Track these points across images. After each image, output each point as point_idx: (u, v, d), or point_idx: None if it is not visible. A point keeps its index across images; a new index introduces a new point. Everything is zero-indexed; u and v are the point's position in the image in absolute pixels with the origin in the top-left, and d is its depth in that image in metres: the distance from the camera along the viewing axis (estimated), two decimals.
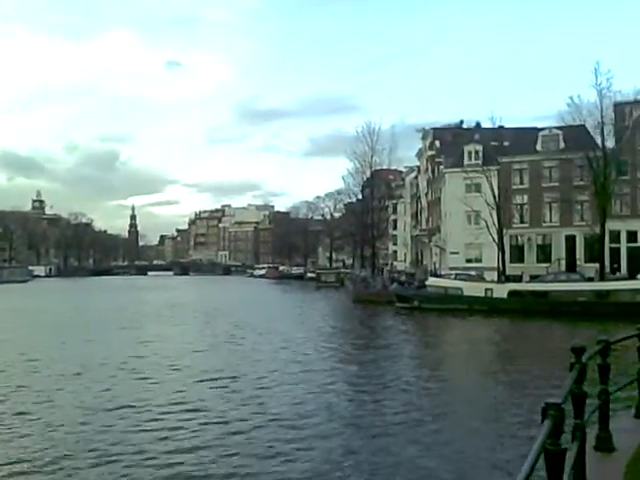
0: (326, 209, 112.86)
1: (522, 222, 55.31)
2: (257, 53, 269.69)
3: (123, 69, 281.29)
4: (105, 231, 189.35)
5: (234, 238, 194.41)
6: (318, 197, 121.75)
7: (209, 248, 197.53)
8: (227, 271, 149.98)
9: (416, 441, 13.20)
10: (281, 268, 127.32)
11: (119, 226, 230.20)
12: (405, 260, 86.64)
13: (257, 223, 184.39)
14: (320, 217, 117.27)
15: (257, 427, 14.40)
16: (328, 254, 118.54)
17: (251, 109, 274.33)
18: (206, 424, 14.62)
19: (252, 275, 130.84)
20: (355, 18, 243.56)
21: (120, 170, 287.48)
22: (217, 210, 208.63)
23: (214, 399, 17.48)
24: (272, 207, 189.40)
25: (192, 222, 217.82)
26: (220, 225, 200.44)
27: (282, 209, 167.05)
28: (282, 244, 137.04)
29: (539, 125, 59.15)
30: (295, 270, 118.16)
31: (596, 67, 48.43)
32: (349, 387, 19.38)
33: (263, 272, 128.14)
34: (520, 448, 10.70)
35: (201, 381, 20.07)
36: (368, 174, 76.94)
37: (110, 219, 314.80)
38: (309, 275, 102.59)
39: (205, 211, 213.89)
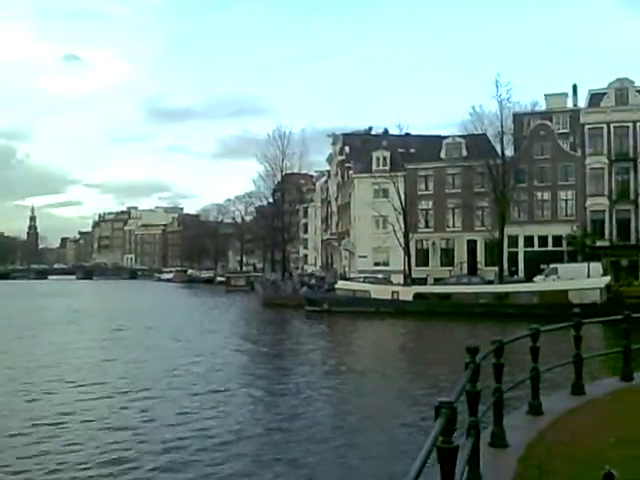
0: (237, 212, 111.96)
1: (427, 227, 57.06)
2: (163, 51, 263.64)
3: (17, 61, 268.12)
4: (2, 233, 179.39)
5: (141, 241, 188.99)
6: (228, 200, 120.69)
7: (114, 251, 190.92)
8: (133, 275, 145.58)
9: (314, 452, 12.97)
10: (190, 272, 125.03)
11: (17, 228, 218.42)
12: (316, 264, 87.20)
13: (165, 226, 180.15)
14: (231, 220, 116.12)
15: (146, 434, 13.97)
16: (239, 258, 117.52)
17: (158, 108, 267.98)
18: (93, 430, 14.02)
19: (159, 279, 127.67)
20: (262, 19, 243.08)
21: (17, 168, 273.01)
22: (123, 212, 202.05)
23: (106, 408, 16.64)
24: (181, 209, 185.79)
25: (96, 224, 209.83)
26: (126, 228, 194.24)
27: (191, 211, 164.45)
28: (191, 247, 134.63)
29: (444, 133, 61.38)
30: (205, 274, 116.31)
31: (497, 79, 50.98)
32: (249, 396, 18.59)
33: (170, 276, 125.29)
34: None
35: (94, 392, 18.74)
36: (279, 178, 77.02)
37: (7, 220, 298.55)
38: (219, 279, 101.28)
39: (110, 213, 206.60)
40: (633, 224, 51.33)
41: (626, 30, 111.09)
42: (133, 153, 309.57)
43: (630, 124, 52.00)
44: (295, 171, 79.37)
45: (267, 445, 13.34)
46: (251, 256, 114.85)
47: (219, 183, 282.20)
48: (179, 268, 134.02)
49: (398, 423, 14.76)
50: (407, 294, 45.95)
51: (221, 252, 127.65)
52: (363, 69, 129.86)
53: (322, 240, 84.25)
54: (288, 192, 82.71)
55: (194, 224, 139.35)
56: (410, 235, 53.43)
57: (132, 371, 22.79)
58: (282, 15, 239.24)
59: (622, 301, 39.12)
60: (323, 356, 27.78)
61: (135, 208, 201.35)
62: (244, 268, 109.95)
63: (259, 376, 22.26)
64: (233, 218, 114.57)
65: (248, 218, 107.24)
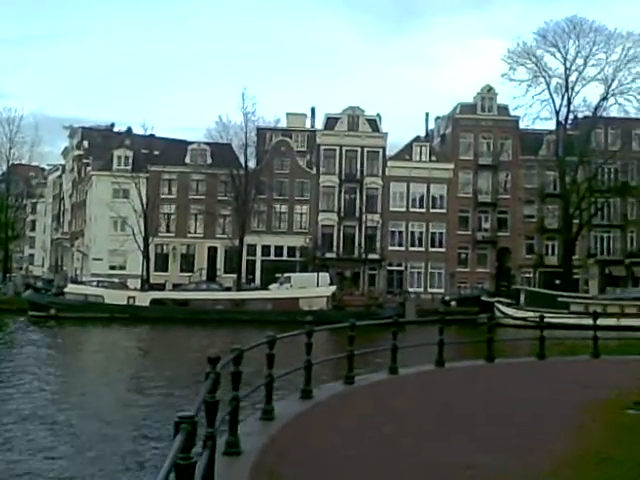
0: None
1: (168, 231, 56.23)
2: None
3: None
4: None
5: None
6: None
7: None
8: None
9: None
10: None
11: None
12: (43, 265, 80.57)
13: None
14: None
15: None
16: None
17: None
18: None
19: None
20: None
21: None
22: None
23: None
24: None
25: None
26: None
27: None
28: None
29: (191, 136, 61.30)
30: None
31: (244, 92, 52.59)
32: None
33: None
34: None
35: None
36: (4, 168, 69.36)
37: None
38: None
39: None
40: (357, 239, 56.72)
41: (362, 62, 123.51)
42: None
43: (359, 149, 57.50)
44: (24, 162, 72.19)
45: None
46: None
47: None
48: None
49: (131, 436, 14.13)
50: (144, 300, 44.67)
51: None
52: (108, 59, 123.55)
53: (52, 240, 78.13)
54: (15, 184, 74.83)
55: None
56: (150, 239, 52.20)
57: None
58: None
59: (345, 309, 43.07)
60: (42, 365, 25.45)
61: None
62: None
63: None
64: None
65: None
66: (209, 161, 56.19)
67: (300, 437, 6.57)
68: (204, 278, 53.45)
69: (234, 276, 52.57)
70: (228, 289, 49.40)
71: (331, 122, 58.11)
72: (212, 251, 56.18)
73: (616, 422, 7.50)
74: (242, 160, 53.98)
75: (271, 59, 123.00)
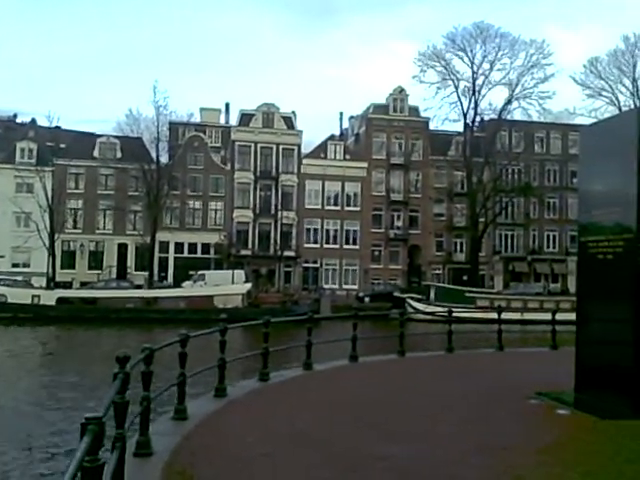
0: None
1: (75, 227, 54.17)
2: None
3: None
4: None
5: None
6: None
7: None
8: None
9: None
10: None
11: None
12: None
13: None
14: None
15: None
16: None
17: None
18: None
19: None
20: None
21: None
22: None
23: None
24: None
25: None
26: None
27: None
28: None
29: (99, 129, 59.28)
30: None
31: (155, 85, 51.47)
32: None
33: None
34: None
35: None
36: None
37: None
38: None
39: None
40: (272, 236, 56.66)
41: (279, 59, 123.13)
42: None
43: (274, 146, 57.44)
44: None
45: None
46: None
47: None
48: None
49: (36, 442, 13.48)
50: (49, 298, 42.80)
51: None
52: (9, 46, 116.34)
53: None
54: None
55: None
56: (56, 235, 50.12)
57: None
58: None
59: (260, 306, 42.92)
60: None
61: None
62: None
63: None
64: None
65: None
66: (119, 155, 54.58)
67: (213, 436, 6.49)
68: (114, 276, 51.88)
69: (146, 274, 51.32)
70: (139, 287, 48.15)
71: (246, 118, 57.73)
72: (122, 248, 54.60)
73: (519, 411, 7.86)
74: (154, 155, 52.74)
75: (185, 52, 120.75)
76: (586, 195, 9.02)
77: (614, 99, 56.58)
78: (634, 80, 56.21)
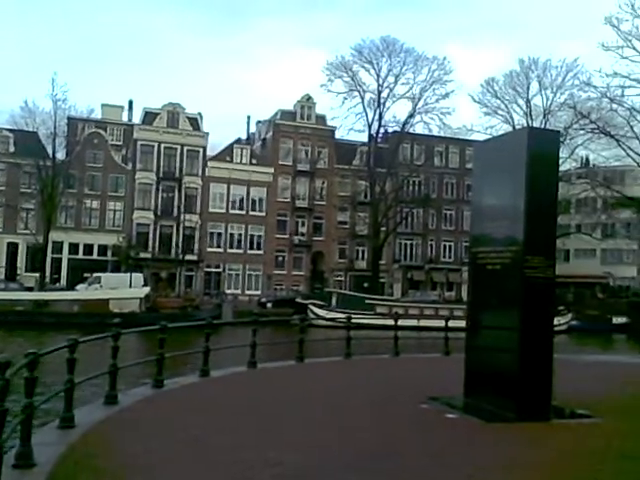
0: None
1: None
2: None
3: None
4: None
5: None
6: None
7: None
8: None
9: None
10: None
11: None
12: None
13: None
14: None
15: None
16: None
17: None
18: None
19: None
20: None
21: None
22: None
23: None
24: None
25: None
26: None
27: None
28: None
29: None
30: None
31: (54, 77, 49.06)
32: None
33: None
34: None
35: None
36: None
37: None
38: None
39: None
40: (174, 239, 55.46)
41: (186, 58, 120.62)
42: None
43: (179, 146, 56.35)
44: None
45: None
46: None
47: None
48: None
49: None
50: None
51: None
52: None
53: None
54: None
55: None
56: None
57: None
58: None
59: (159, 311, 41.87)
60: None
61: None
62: None
63: None
64: None
65: None
66: (12, 149, 51.78)
67: (102, 445, 6.24)
68: (2, 277, 49.00)
69: (37, 275, 48.80)
70: (30, 289, 45.71)
71: (150, 117, 56.30)
72: (12, 247, 51.64)
73: (411, 416, 8.08)
74: (50, 150, 50.33)
75: (87, 46, 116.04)
76: (478, 207, 9.38)
77: (509, 118, 59.62)
78: (527, 101, 59.46)
